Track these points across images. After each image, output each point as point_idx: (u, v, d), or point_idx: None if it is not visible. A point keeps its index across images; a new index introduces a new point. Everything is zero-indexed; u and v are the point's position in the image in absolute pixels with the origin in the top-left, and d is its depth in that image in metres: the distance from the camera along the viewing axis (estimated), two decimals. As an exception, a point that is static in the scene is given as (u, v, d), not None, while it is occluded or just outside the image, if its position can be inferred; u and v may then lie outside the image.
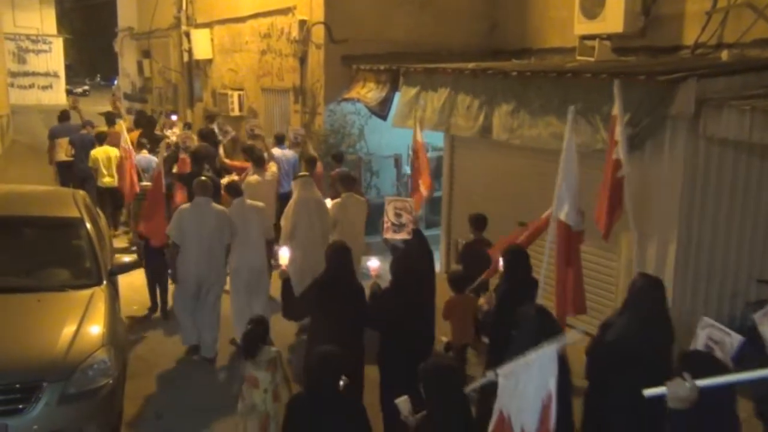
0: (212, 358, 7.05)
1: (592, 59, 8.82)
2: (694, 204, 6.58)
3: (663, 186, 6.54)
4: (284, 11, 12.20)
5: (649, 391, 3.05)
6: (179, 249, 6.85)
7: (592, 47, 8.97)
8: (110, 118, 13.37)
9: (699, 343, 4.07)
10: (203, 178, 7.39)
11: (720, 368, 3.42)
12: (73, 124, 13.10)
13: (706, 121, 6.08)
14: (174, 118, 14.01)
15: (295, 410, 3.86)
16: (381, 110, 10.37)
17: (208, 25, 16.28)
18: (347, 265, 5.40)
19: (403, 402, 3.89)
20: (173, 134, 12.03)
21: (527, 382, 3.15)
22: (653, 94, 6.21)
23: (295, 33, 11.64)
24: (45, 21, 34.72)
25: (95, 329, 5.35)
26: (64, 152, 12.20)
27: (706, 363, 3.54)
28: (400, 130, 10.04)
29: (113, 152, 11.00)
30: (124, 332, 6.14)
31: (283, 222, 7.33)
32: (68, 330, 5.23)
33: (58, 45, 35.71)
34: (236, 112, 14.38)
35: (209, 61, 16.46)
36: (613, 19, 8.69)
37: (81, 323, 5.33)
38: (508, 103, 7.65)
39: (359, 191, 8.42)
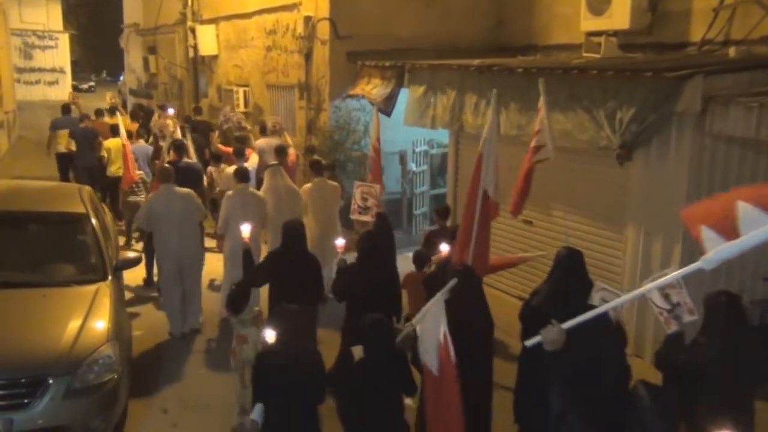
0: (197, 329, 7.58)
1: (598, 56, 8.78)
2: (701, 200, 6.54)
3: (669, 183, 6.51)
4: (289, 7, 12.19)
5: (529, 341, 3.57)
6: (152, 234, 7.53)
7: (598, 44, 8.94)
8: (112, 110, 13.87)
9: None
10: (166, 165, 8.00)
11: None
12: (74, 117, 13.48)
13: (712, 118, 6.06)
14: (171, 111, 14.18)
15: (262, 361, 4.50)
16: (385, 107, 10.33)
17: (214, 21, 16.27)
18: (299, 238, 5.99)
19: (357, 349, 4.39)
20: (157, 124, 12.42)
21: (426, 328, 4.00)
22: (659, 90, 6.19)
23: (300, 29, 11.63)
24: (51, 17, 34.77)
25: (100, 324, 5.37)
26: (64, 144, 12.59)
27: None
28: (405, 127, 10.02)
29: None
30: (129, 327, 6.15)
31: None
32: (73, 325, 5.24)
33: (64, 41, 35.76)
34: (241, 108, 14.38)
35: (215, 57, 16.45)
36: (620, 15, 8.66)
37: (86, 318, 5.34)
38: (515, 100, 7.63)
39: (333, 177, 8.82)
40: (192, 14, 17.42)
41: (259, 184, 9.17)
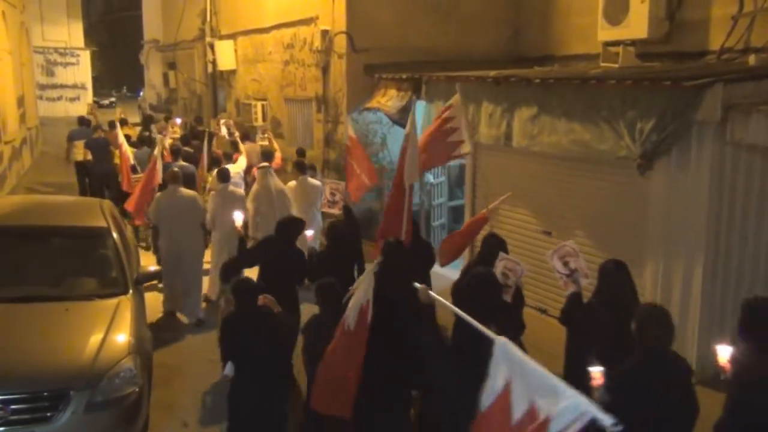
0: (201, 319, 8.23)
1: (616, 65, 8.74)
2: (722, 211, 6.47)
3: (689, 192, 6.44)
4: (307, 21, 12.28)
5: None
6: (158, 228, 8.44)
7: (616, 53, 8.90)
8: (122, 122, 14.79)
9: (498, 271, 5.23)
10: (174, 168, 8.80)
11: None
12: (89, 128, 14.56)
13: (733, 126, 5.99)
14: (178, 121, 15.87)
15: (227, 322, 5.28)
16: (401, 118, 10.33)
17: (232, 36, 16.43)
18: (289, 232, 6.65)
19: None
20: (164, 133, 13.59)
21: (357, 293, 4.61)
22: (679, 99, 6.13)
23: (317, 43, 11.71)
24: (72, 34, 35.26)
25: (121, 338, 5.40)
26: (80, 153, 13.65)
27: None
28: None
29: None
30: (150, 340, 6.18)
31: (248, 204, 8.78)
32: (95, 338, 5.28)
33: (85, 58, 36.23)
34: (260, 122, 14.49)
35: (233, 72, 16.60)
36: (637, 24, 8.61)
37: (107, 332, 5.38)
38: (530, 110, 7.60)
39: (313, 176, 9.77)
40: (211, 30, 17.63)
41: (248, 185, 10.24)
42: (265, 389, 5.05)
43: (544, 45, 11.08)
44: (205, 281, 8.88)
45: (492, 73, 8.56)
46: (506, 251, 5.86)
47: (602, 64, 9.04)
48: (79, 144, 13.64)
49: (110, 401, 5.01)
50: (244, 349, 5.03)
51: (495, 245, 5.96)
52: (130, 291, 6.07)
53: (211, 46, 17.38)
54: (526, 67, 10.56)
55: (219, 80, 17.80)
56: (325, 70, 11.80)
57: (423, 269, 6.52)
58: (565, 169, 7.87)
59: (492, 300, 4.01)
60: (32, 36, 24.18)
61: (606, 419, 2.27)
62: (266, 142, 12.00)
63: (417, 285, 3.89)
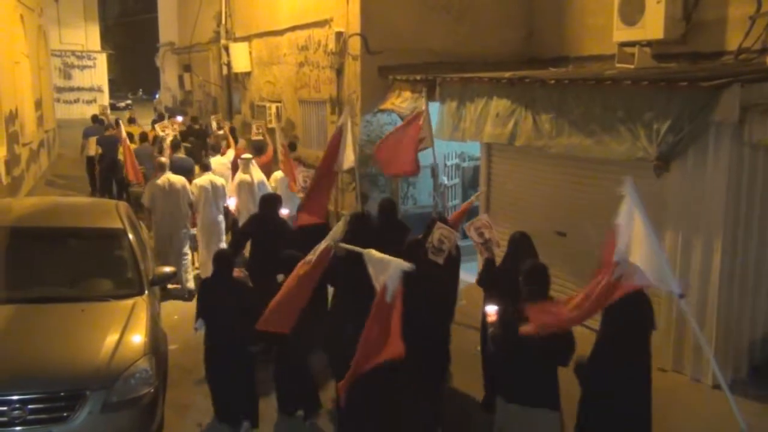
0: (190, 290, 9.31)
1: (631, 66, 8.67)
2: (739, 211, 6.41)
3: (707, 193, 6.38)
4: (321, 24, 12.30)
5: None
6: (151, 211, 9.62)
7: (631, 54, 8.82)
8: (130, 120, 17.18)
9: (435, 238, 5.86)
10: (162, 158, 10.09)
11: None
12: (102, 126, 16.19)
13: (751, 127, 5.93)
14: (179, 119, 17.30)
15: (204, 283, 6.41)
16: (416, 120, 10.35)
17: (247, 38, 16.50)
18: (269, 205, 7.79)
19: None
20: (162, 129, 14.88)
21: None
22: (696, 100, 6.07)
23: (331, 45, 11.72)
24: (89, 37, 35.55)
25: (137, 338, 5.43)
26: (93, 149, 15.16)
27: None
28: (436, 141, 9.96)
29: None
30: (165, 341, 6.21)
31: (230, 192, 10.17)
32: (111, 339, 5.31)
33: (101, 60, 36.51)
34: (274, 124, 14.52)
35: (248, 74, 16.67)
36: (653, 25, 8.54)
37: (123, 332, 5.41)
38: (546, 112, 7.56)
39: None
40: (225, 32, 17.71)
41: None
42: (231, 339, 5.85)
43: (559, 46, 11.02)
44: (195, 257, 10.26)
45: (506, 74, 8.52)
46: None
47: (618, 65, 8.97)
48: (92, 140, 15.17)
49: (126, 402, 5.04)
50: (212, 308, 5.88)
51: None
52: (146, 292, 6.10)
53: (226, 49, 17.46)
54: (540, 68, 10.52)
55: (234, 82, 17.88)
56: (339, 71, 11.82)
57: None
58: (580, 170, 7.83)
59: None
60: (50, 39, 24.36)
61: None
62: (260, 137, 13.01)
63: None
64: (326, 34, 12.09)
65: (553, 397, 4.80)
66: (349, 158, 8.05)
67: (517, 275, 5.04)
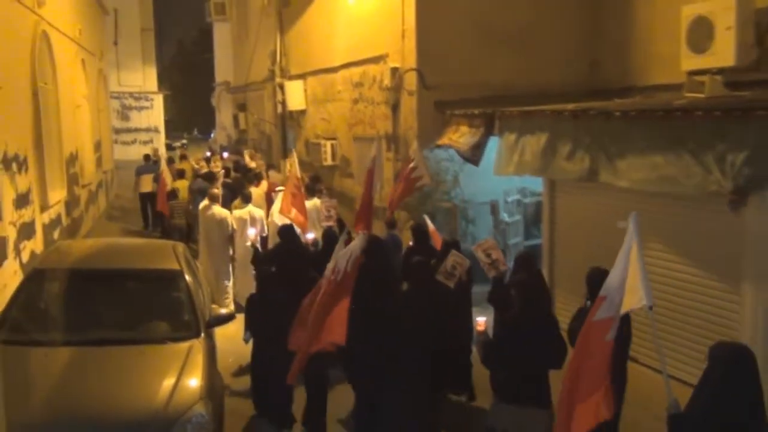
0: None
1: (702, 95, 8.49)
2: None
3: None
4: (376, 59, 12.51)
5: None
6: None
7: (701, 83, 8.65)
8: (182, 157, 19.07)
9: (448, 264, 6.89)
10: (215, 190, 11.55)
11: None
12: (155, 165, 17.51)
13: (835, 157, 5.72)
14: (225, 155, 20.14)
15: (250, 301, 7.11)
16: (473, 155, 10.31)
17: (302, 76, 16.89)
18: (287, 234, 8.48)
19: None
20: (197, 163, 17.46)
21: None
22: (774, 130, 5.90)
23: (387, 80, 11.88)
24: (147, 79, 36.88)
25: (193, 382, 5.50)
26: (145, 186, 16.78)
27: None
28: (495, 176, 9.95)
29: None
30: (222, 386, 6.28)
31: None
32: (168, 383, 5.40)
33: (158, 101, 37.77)
34: (329, 162, 14.72)
35: (302, 112, 17.02)
36: (724, 52, 8.36)
37: (180, 376, 5.49)
38: (612, 145, 7.46)
39: (321, 197, 11.47)
40: (280, 71, 18.14)
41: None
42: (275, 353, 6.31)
43: (624, 76, 10.90)
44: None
45: (569, 106, 8.47)
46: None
47: (687, 95, 8.80)
48: (144, 177, 16.86)
49: (182, 447, 5.08)
50: (260, 324, 6.74)
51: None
52: (202, 334, 6.19)
53: (281, 87, 17.87)
54: (605, 99, 10.41)
55: (288, 120, 18.25)
56: (394, 107, 11.95)
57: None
58: (648, 205, 7.65)
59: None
60: (109, 82, 25.44)
61: None
62: (254, 164, 14.72)
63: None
64: (381, 70, 12.28)
65: (545, 397, 5.29)
66: (376, 189, 9.81)
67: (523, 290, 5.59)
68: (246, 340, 6.91)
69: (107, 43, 26.63)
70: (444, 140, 10.91)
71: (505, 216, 11.15)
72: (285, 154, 18.25)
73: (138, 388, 5.41)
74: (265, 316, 6.65)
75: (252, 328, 6.85)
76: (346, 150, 14.47)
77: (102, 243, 8.59)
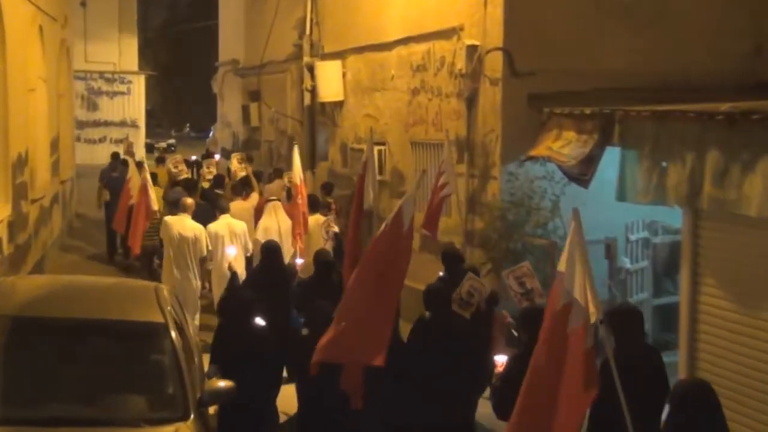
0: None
1: None
2: None
3: None
4: (446, 33, 12.54)
5: None
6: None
7: None
8: (159, 160, 20.34)
9: (464, 290, 7.86)
10: (188, 199, 12.38)
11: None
12: (123, 168, 17.99)
13: None
14: (217, 157, 21.57)
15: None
16: (582, 173, 10.21)
17: (340, 54, 16.94)
18: (271, 254, 10.34)
19: None
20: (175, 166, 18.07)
21: None
22: None
23: (460, 64, 11.88)
24: (124, 54, 36.92)
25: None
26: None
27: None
28: (613, 204, 9.80)
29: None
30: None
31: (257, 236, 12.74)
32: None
33: (138, 84, 37.68)
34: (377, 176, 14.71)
35: (339, 105, 17.05)
36: None
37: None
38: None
39: (325, 214, 12.99)
40: (310, 47, 18.13)
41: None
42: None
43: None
44: None
45: (723, 106, 8.35)
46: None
47: None
48: None
49: None
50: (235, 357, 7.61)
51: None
52: (191, 416, 6.17)
53: (311, 69, 17.89)
54: (773, 97, 10.26)
55: (319, 116, 18.30)
56: (470, 101, 11.94)
57: None
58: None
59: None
60: (74, 58, 25.53)
61: None
62: (243, 173, 15.86)
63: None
64: (453, 49, 12.29)
65: None
66: (368, 197, 10.61)
67: None
68: (209, 376, 7.27)
69: (73, 3, 26.81)
70: (540, 150, 10.85)
71: (626, 261, 11.00)
72: (314, 163, 18.26)
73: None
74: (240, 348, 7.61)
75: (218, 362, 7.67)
76: (399, 159, 14.46)
77: (57, 282, 8.70)
